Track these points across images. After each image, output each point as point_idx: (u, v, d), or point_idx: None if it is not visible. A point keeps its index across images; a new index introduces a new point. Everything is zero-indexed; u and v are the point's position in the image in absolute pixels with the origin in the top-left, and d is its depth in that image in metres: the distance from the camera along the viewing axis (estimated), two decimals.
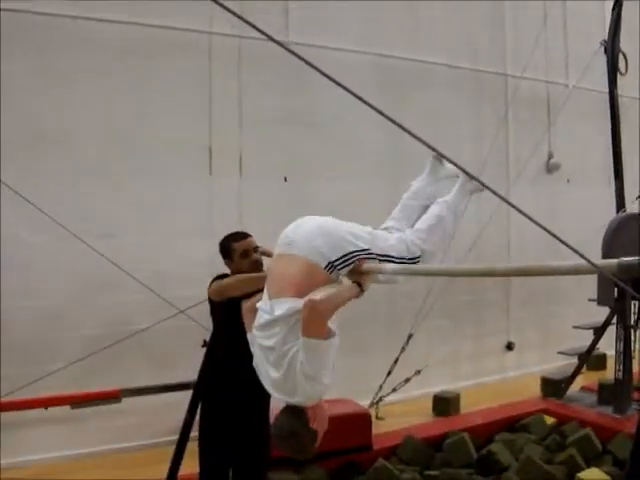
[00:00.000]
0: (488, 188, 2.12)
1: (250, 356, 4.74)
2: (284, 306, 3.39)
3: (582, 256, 2.06)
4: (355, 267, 3.65)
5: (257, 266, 5.06)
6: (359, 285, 3.58)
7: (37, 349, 7.01)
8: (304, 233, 3.67)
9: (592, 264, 2.01)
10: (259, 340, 3.51)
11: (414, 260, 4.01)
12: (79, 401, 5.10)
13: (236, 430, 4.94)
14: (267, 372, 3.42)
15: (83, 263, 6.92)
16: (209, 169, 7.95)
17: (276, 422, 3.41)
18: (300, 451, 3.39)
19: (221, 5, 1.90)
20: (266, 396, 5.18)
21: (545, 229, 2.06)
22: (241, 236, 5.07)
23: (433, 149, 2.10)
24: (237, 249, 4.99)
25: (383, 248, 3.87)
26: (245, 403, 4.97)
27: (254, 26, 1.86)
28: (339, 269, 3.62)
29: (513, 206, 2.13)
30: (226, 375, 4.98)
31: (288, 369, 3.28)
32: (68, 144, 7.20)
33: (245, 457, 5.04)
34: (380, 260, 3.85)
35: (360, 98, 2.09)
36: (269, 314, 3.46)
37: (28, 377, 6.07)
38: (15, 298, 6.86)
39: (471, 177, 4.02)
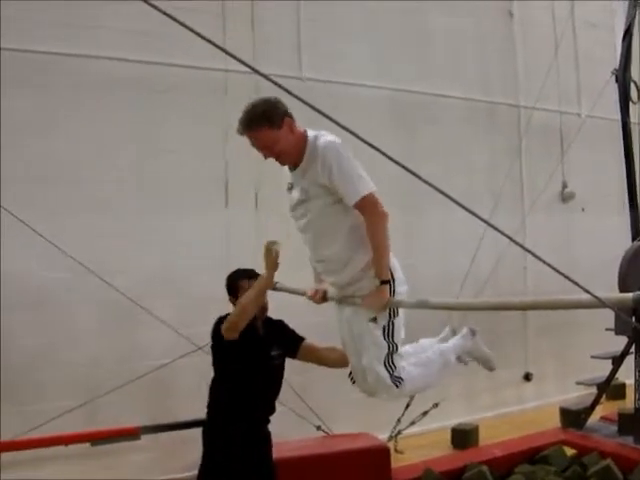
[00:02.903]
0: (498, 230, 2.16)
1: (255, 399, 4.81)
2: None
3: (588, 292, 2.09)
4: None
5: (266, 308, 5.10)
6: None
7: (53, 385, 7.06)
8: None
9: (597, 299, 2.03)
10: None
11: (396, 378, 4.16)
12: (99, 438, 5.13)
13: (239, 470, 4.95)
14: None
15: (99, 299, 7.00)
16: (225, 202, 8.02)
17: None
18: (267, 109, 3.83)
19: (232, 56, 1.96)
20: (268, 436, 5.21)
21: (549, 265, 2.09)
22: (252, 274, 5.04)
23: (447, 195, 2.12)
24: (247, 288, 4.95)
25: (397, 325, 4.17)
26: (248, 445, 4.99)
27: (262, 74, 1.92)
28: None
29: (521, 245, 2.16)
30: (231, 421, 4.98)
31: None
32: (84, 180, 7.27)
33: None
34: (386, 326, 4.12)
35: (360, 138, 2.13)
36: None
37: (44, 414, 6.14)
38: (31, 334, 6.92)
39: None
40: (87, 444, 5.30)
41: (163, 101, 7.69)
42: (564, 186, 10.75)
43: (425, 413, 8.03)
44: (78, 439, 5.36)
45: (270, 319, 5.27)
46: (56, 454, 6.09)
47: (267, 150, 3.92)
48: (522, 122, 10.34)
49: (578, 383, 9.13)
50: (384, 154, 2.14)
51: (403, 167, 2.15)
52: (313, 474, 6.40)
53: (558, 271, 2.08)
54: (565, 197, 10.80)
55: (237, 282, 5.06)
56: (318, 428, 7.45)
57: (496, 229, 2.06)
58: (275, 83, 1.96)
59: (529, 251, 2.12)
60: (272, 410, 5.24)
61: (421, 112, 9.40)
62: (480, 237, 7.83)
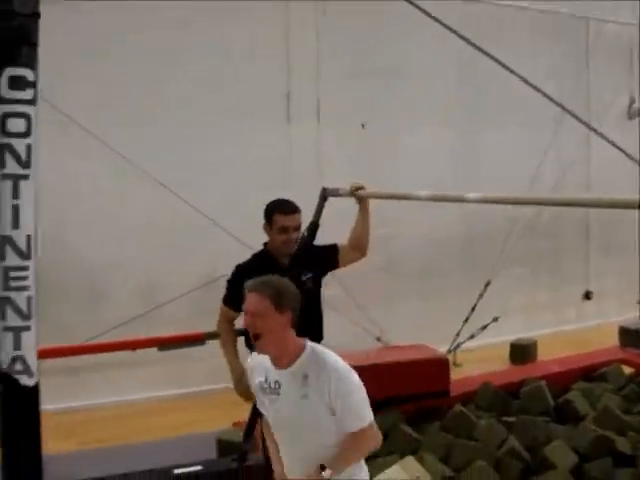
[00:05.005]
0: (577, 119, 2.11)
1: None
2: None
3: None
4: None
5: (290, 246, 4.85)
6: None
7: (116, 295, 7.26)
8: None
9: None
10: None
11: None
12: (165, 343, 5.23)
13: None
14: None
15: (167, 212, 7.15)
16: (287, 117, 7.99)
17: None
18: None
19: None
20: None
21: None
22: (288, 209, 4.80)
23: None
24: (278, 222, 4.76)
25: None
26: None
27: None
28: None
29: (610, 142, 2.11)
30: None
31: None
32: (151, 95, 7.33)
33: None
34: None
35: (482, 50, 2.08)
36: None
37: (108, 323, 6.32)
38: (94, 246, 7.07)
39: None
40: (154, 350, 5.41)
41: (227, 13, 7.61)
42: (631, 102, 10.46)
43: (484, 327, 8.07)
44: (146, 344, 5.47)
45: (300, 247, 5.00)
46: (115, 361, 6.29)
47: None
48: (591, 34, 10.01)
49: (639, 302, 9.04)
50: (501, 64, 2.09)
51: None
52: (373, 384, 6.46)
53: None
54: (632, 114, 10.51)
55: (272, 215, 4.82)
56: (378, 339, 7.53)
57: (578, 119, 2.01)
58: None
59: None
60: (318, 337, 4.95)
61: (488, 22, 9.14)
62: (540, 158, 7.71)
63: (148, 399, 7.11)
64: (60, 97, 6.11)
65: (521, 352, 8.24)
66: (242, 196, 7.48)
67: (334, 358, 3.37)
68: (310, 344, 3.41)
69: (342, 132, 8.19)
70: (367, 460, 5.71)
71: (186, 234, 7.38)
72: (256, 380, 3.49)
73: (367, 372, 6.48)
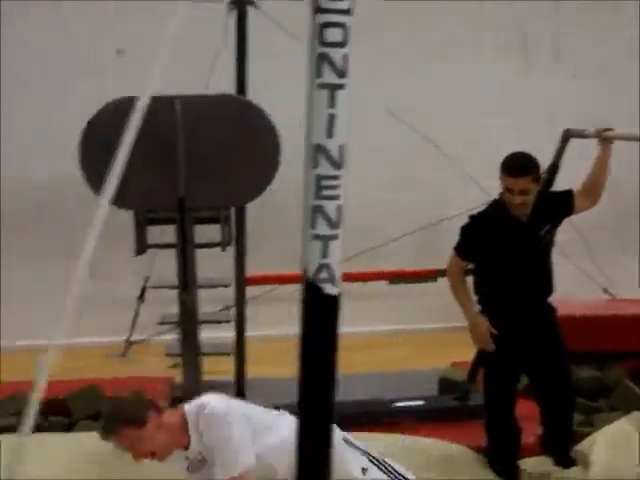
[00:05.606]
0: None
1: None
2: None
3: None
4: None
5: (516, 208, 4.67)
6: None
7: (346, 229, 7.37)
8: None
9: None
10: None
11: None
12: (397, 277, 5.28)
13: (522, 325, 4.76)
14: None
15: (395, 142, 7.20)
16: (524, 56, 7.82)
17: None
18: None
19: None
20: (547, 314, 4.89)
21: None
22: (513, 171, 4.59)
23: None
24: (504, 181, 4.62)
25: None
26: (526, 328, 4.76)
27: None
28: None
29: None
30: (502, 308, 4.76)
31: None
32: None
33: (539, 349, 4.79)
34: None
35: None
36: None
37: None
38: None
39: None
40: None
41: None
42: None
43: None
44: (378, 277, 5.57)
45: (539, 197, 4.81)
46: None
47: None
48: None
49: None
50: None
51: None
52: (597, 336, 6.30)
53: None
54: None
55: (502, 171, 4.65)
56: (605, 291, 7.28)
57: None
58: None
59: None
60: (548, 290, 4.91)
61: None
62: None
63: (370, 333, 7.23)
64: None
65: None
66: (473, 129, 7.43)
67: (208, 407, 3.33)
68: (186, 408, 3.41)
69: (579, 72, 7.86)
70: (588, 414, 5.75)
71: (414, 167, 7.46)
72: (181, 468, 3.48)
73: (592, 323, 6.42)
